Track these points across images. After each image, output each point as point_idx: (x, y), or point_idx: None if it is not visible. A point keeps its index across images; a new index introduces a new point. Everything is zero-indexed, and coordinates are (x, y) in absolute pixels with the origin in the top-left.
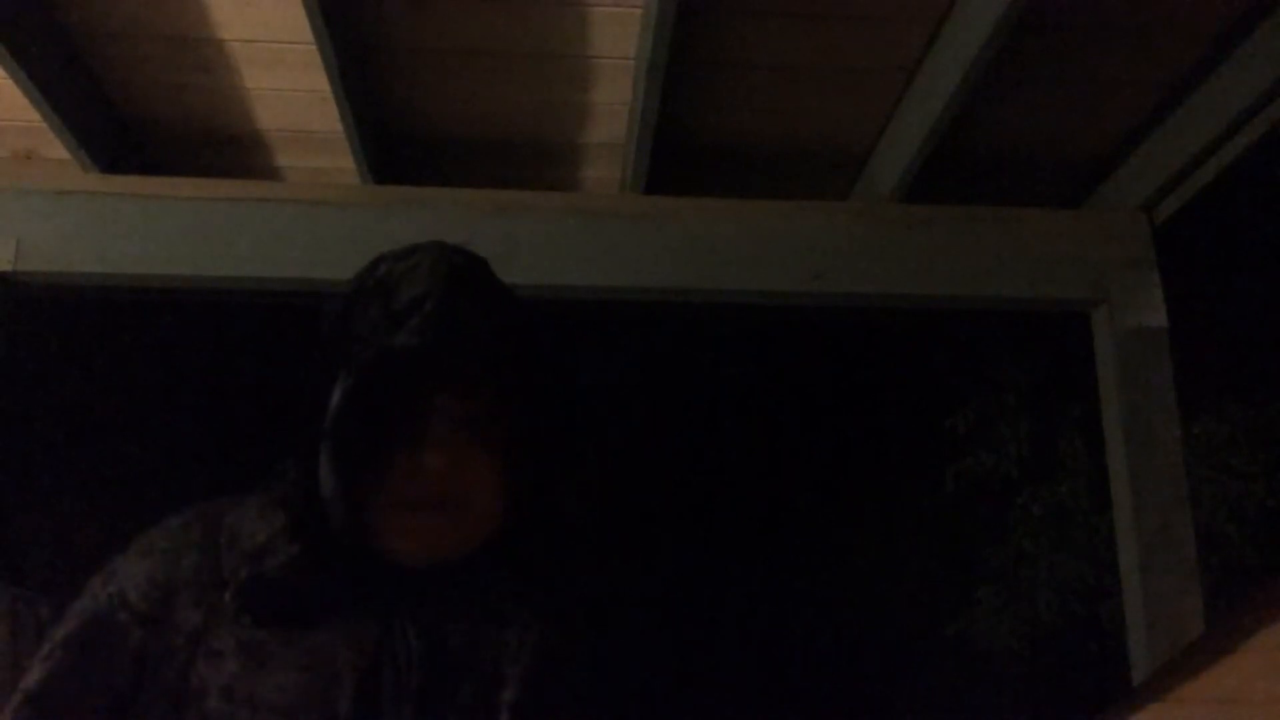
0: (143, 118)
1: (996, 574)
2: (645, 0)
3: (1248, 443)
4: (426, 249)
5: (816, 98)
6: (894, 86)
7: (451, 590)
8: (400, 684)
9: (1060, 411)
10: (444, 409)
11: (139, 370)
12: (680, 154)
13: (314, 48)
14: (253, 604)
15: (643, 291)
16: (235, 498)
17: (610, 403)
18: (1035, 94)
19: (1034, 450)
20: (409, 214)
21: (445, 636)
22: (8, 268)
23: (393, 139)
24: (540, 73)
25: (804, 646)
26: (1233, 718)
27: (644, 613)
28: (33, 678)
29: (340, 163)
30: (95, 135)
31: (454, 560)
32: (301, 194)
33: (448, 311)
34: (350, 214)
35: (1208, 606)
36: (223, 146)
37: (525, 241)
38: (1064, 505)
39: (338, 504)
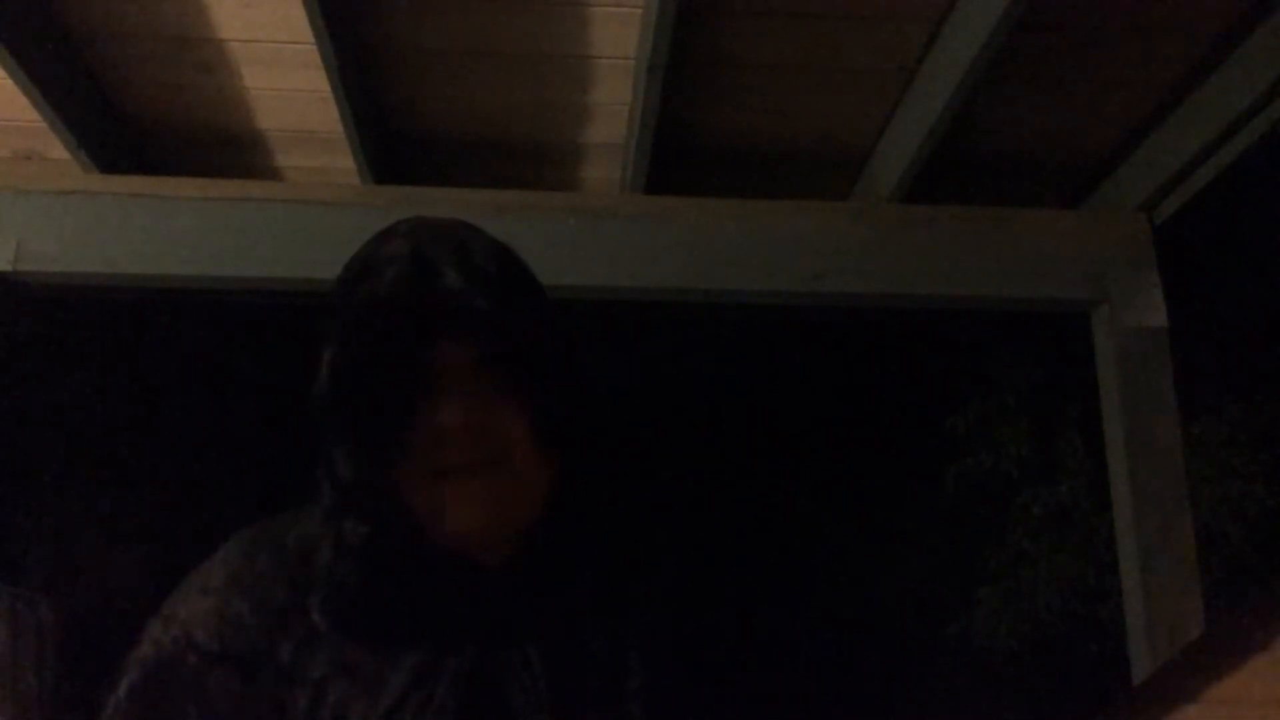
0: (143, 118)
1: (996, 574)
2: (645, 0)
3: (1248, 443)
4: (408, 219)
5: (816, 98)
6: (894, 86)
7: (537, 582)
8: (527, 693)
9: (1060, 411)
10: (447, 361)
11: (139, 370)
12: (680, 154)
13: (314, 48)
14: (342, 621)
15: (643, 291)
16: (289, 513)
17: (608, 403)
18: (1035, 94)
19: (1034, 450)
20: (409, 214)
21: (559, 637)
22: (8, 268)
23: (393, 139)
24: (540, 73)
25: (803, 646)
26: (1233, 718)
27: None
28: None
29: (340, 163)
30: (95, 135)
31: (511, 534)
32: (301, 194)
33: (425, 257)
34: (350, 214)
35: (1208, 606)
36: (223, 146)
37: (525, 241)
38: (1064, 505)
39: (365, 488)
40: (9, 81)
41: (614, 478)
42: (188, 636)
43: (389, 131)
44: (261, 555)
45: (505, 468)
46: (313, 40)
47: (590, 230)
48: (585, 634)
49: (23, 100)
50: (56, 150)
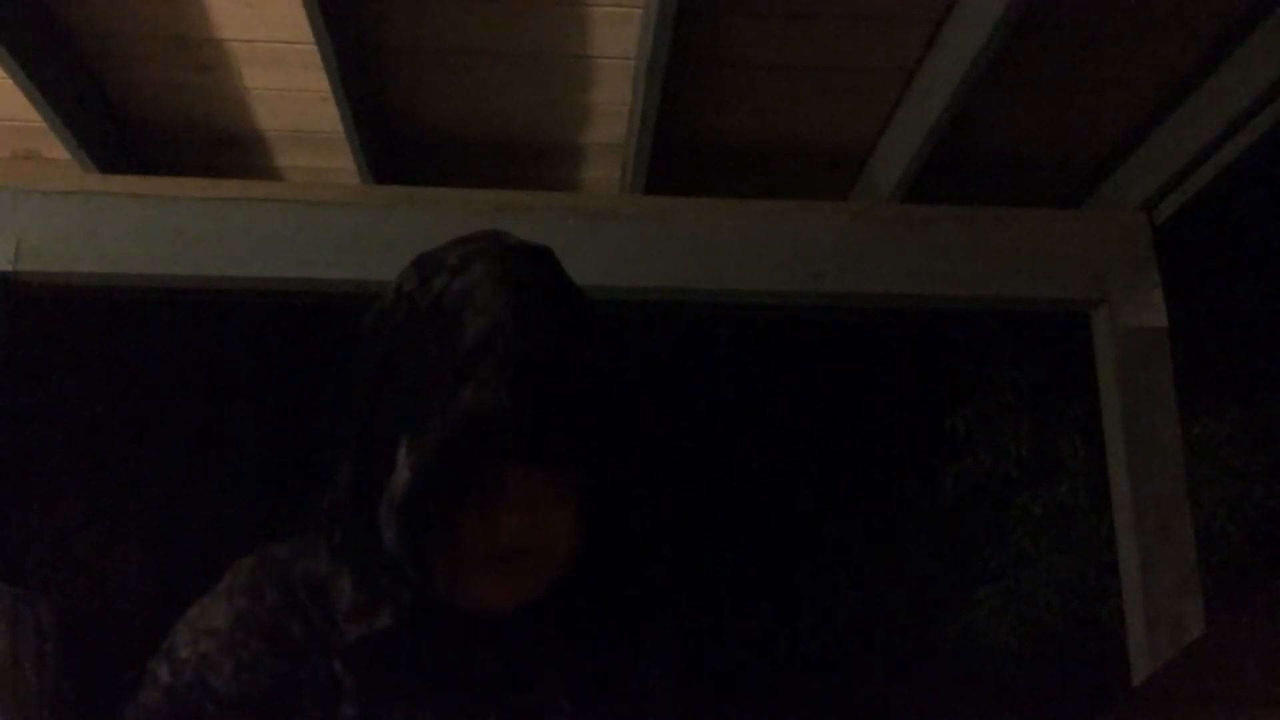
0: (143, 118)
1: (996, 574)
2: (645, 0)
3: (1248, 443)
4: (483, 255)
5: (816, 98)
6: (894, 86)
7: (557, 622)
8: None
9: (1060, 411)
10: (523, 471)
11: (139, 370)
12: (680, 154)
13: (314, 48)
14: (368, 676)
15: (643, 291)
16: (292, 544)
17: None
18: (1035, 94)
19: (1034, 450)
20: (409, 214)
21: (589, 676)
22: (8, 268)
23: (393, 139)
24: (540, 73)
25: (803, 646)
26: (1233, 718)
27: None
28: None
29: (340, 163)
30: (95, 135)
31: (531, 600)
32: (301, 194)
33: (521, 356)
34: (350, 214)
35: (1208, 606)
36: (223, 146)
37: None
38: (1064, 505)
39: (405, 563)
40: (9, 81)
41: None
42: (202, 681)
43: (389, 131)
44: (269, 591)
45: (544, 555)
46: (313, 40)
47: (590, 230)
48: (614, 669)
49: (23, 100)
50: (56, 150)
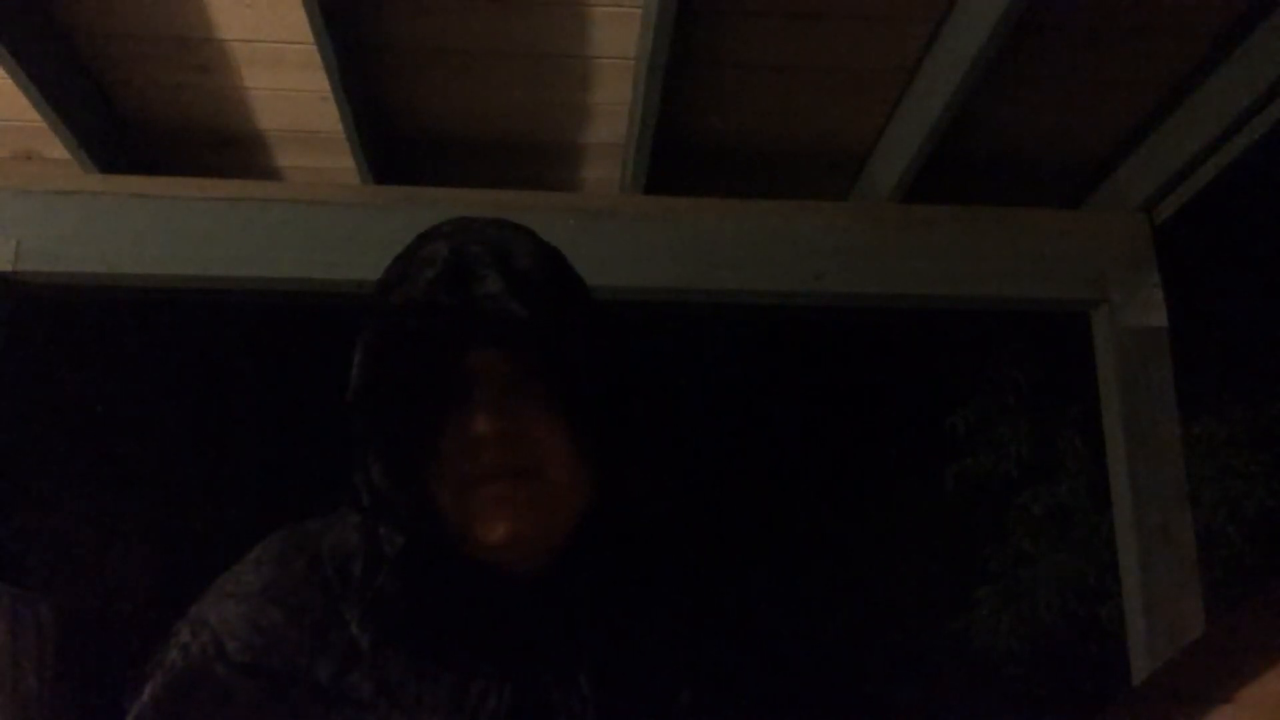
0: (143, 118)
1: (996, 574)
2: (645, 0)
3: (1248, 443)
4: (453, 219)
5: (816, 98)
6: (894, 86)
7: (573, 596)
8: (573, 713)
9: (1060, 411)
10: (481, 368)
11: (139, 370)
12: (680, 154)
13: (314, 48)
14: (383, 635)
15: (643, 291)
16: (324, 518)
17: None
18: (1035, 94)
19: (1034, 450)
20: (409, 214)
21: (608, 659)
22: (8, 268)
23: (393, 139)
24: (540, 73)
25: (803, 646)
26: (1233, 718)
27: None
28: None
29: (340, 163)
30: (95, 135)
31: (544, 546)
32: (301, 194)
33: (464, 260)
34: (350, 214)
35: (1208, 606)
36: (223, 146)
37: None
38: (1064, 505)
39: (396, 492)
40: (9, 81)
41: (651, 488)
42: (217, 645)
43: (389, 131)
44: (297, 562)
45: (538, 478)
46: (313, 40)
47: (590, 230)
48: (633, 655)
49: (23, 100)
50: (56, 150)
